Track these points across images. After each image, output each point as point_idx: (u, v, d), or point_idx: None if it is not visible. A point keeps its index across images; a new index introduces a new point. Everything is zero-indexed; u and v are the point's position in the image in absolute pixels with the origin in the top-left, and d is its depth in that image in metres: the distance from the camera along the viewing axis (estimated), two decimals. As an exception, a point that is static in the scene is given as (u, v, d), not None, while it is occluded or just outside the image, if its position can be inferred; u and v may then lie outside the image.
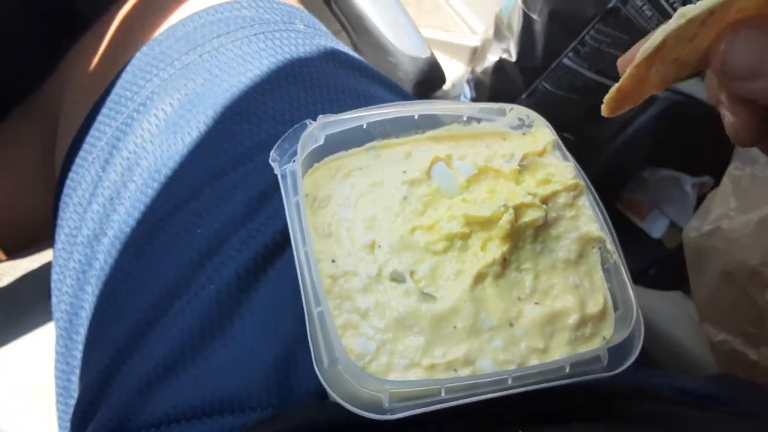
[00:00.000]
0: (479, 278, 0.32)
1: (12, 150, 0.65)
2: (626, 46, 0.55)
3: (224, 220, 0.41)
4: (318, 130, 0.36)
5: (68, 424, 0.44)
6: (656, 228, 0.79)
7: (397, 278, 0.32)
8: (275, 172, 0.34)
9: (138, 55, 0.49)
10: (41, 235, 0.60)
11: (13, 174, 0.64)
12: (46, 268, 0.50)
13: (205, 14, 0.49)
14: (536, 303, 0.32)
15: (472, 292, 0.32)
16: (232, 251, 0.40)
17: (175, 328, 0.39)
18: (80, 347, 0.45)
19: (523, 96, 0.65)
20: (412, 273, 0.32)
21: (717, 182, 0.83)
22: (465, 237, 0.33)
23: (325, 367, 0.29)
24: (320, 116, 0.36)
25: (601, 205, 0.35)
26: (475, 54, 0.78)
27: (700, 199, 0.80)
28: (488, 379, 0.29)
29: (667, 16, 0.52)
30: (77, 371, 0.45)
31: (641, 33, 0.54)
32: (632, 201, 0.80)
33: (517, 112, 0.38)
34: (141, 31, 0.50)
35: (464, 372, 0.30)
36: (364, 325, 0.31)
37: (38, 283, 0.50)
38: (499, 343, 0.31)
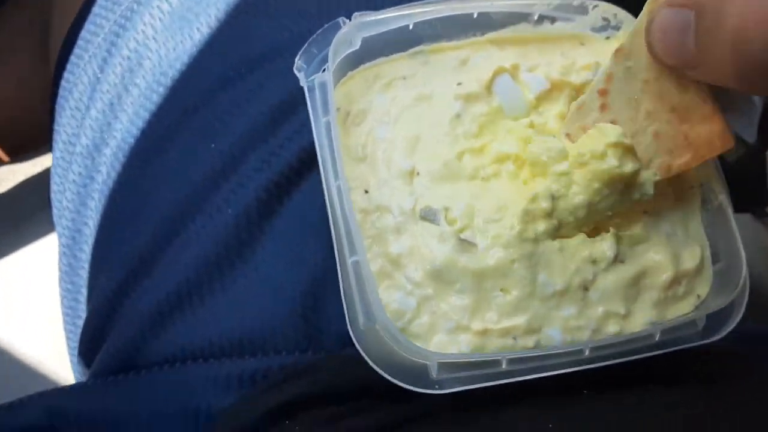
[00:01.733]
0: (529, 219, 0.26)
1: (4, 41, 0.58)
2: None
3: (241, 133, 0.36)
4: (354, 31, 0.29)
5: (77, 344, 0.41)
6: (717, 140, 0.71)
7: (428, 217, 0.26)
8: (301, 83, 0.28)
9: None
10: (41, 138, 0.54)
11: (6, 67, 0.58)
12: (47, 174, 0.45)
13: None
14: (621, 261, 0.26)
15: (521, 245, 0.26)
16: (250, 171, 0.35)
17: (188, 253, 0.34)
18: (85, 266, 0.41)
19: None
20: (446, 210, 0.27)
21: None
22: (519, 162, 0.27)
23: (360, 327, 0.24)
24: (356, 14, 0.29)
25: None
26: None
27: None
28: (560, 350, 0.24)
29: None
30: (84, 290, 0.42)
31: None
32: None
33: (602, 9, 0.31)
34: None
35: (526, 342, 0.25)
36: (399, 275, 0.26)
37: (39, 190, 0.45)
38: (570, 310, 0.25)
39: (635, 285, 0.26)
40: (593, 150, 0.25)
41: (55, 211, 0.44)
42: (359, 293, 0.24)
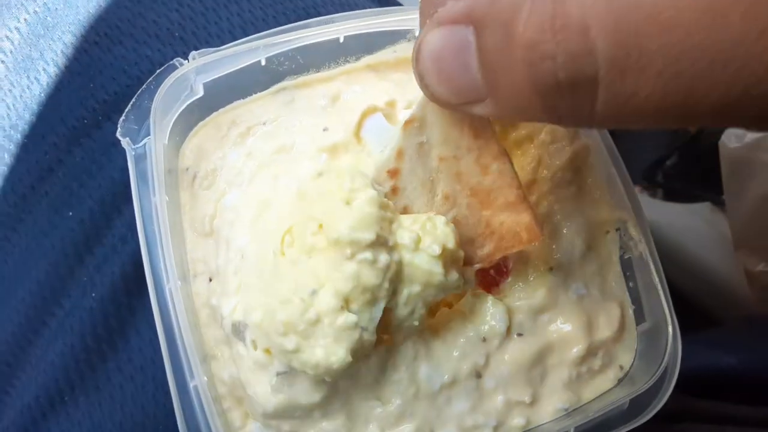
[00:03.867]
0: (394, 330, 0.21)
1: None
2: None
3: (101, 196, 0.31)
4: (193, 75, 0.24)
5: None
6: (677, 109, 0.67)
7: (237, 335, 0.21)
8: (127, 154, 0.23)
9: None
10: None
11: None
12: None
13: None
14: (519, 335, 0.22)
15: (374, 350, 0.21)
16: (115, 240, 0.30)
17: (55, 348, 0.30)
18: None
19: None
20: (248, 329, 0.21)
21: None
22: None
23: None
24: (193, 53, 0.24)
25: (620, 161, 0.24)
26: None
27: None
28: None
29: None
30: None
31: None
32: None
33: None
34: None
35: (420, 451, 0.21)
36: (250, 402, 0.21)
37: None
38: (463, 404, 0.21)
39: (540, 364, 0.22)
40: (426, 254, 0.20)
41: None
42: (204, 423, 0.20)
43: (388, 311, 0.19)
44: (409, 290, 0.19)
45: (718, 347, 0.33)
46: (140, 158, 0.23)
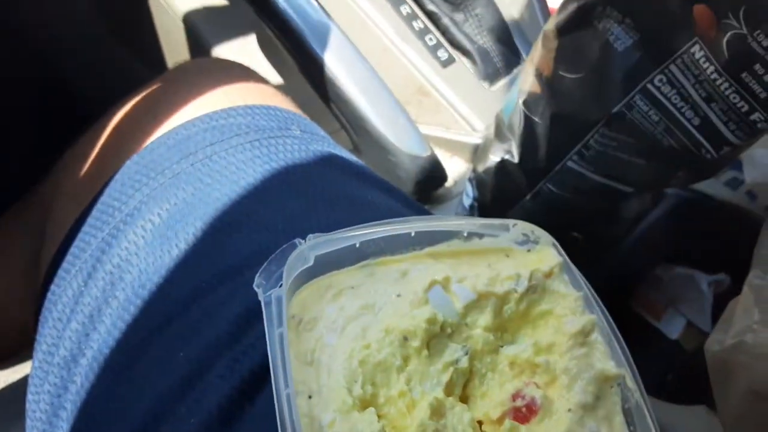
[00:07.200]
0: None
1: (2, 250, 0.63)
2: (634, 150, 0.54)
3: (208, 342, 0.38)
4: (308, 250, 0.34)
5: None
6: (673, 328, 0.75)
7: None
8: (259, 298, 0.32)
9: (128, 163, 0.47)
10: (26, 346, 0.57)
11: (1, 275, 0.62)
12: (25, 382, 0.46)
13: (199, 122, 0.48)
14: None
15: None
16: (215, 378, 0.37)
17: None
18: None
19: (527, 197, 0.63)
20: None
21: (734, 280, 0.80)
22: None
23: None
24: (310, 236, 0.34)
25: (617, 332, 0.32)
26: (477, 151, 0.77)
27: (717, 298, 0.77)
28: None
29: (675, 121, 0.50)
30: None
31: (648, 137, 0.52)
32: (647, 299, 0.76)
33: (521, 227, 0.36)
34: (133, 139, 0.49)
35: None
36: None
37: (18, 398, 0.46)
38: None
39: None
40: None
41: (28, 422, 0.45)
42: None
43: None
44: None
45: None
46: (267, 304, 0.32)
